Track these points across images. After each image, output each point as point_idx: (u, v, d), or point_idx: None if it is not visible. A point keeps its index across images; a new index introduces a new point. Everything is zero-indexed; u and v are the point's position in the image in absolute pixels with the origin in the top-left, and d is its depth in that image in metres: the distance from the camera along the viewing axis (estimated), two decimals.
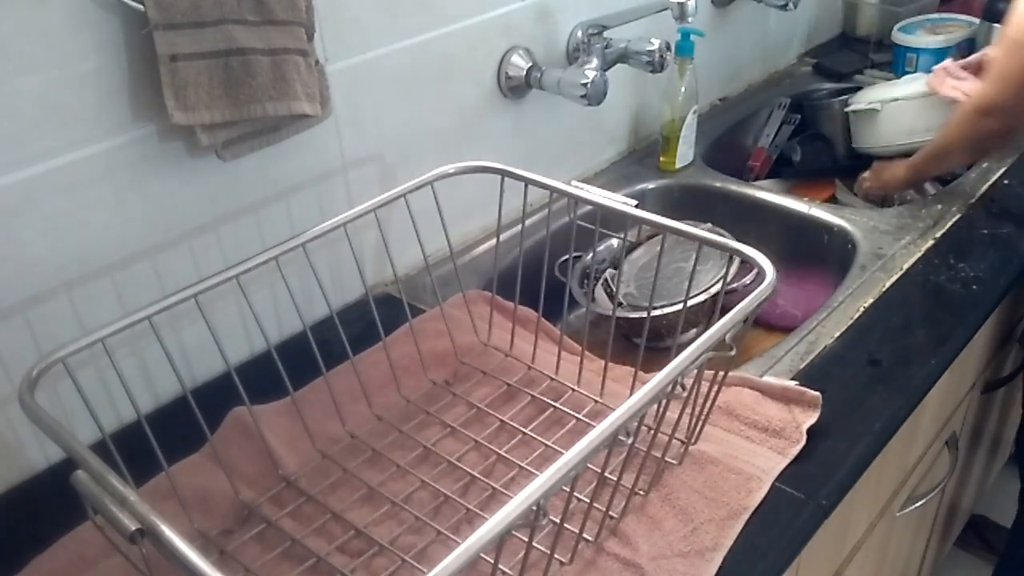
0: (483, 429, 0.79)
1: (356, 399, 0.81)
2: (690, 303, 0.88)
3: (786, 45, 1.67)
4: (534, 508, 0.48)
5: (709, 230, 0.83)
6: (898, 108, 1.32)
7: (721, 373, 0.70)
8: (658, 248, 1.08)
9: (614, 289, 1.03)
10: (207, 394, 0.83)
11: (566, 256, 1.02)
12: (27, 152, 0.70)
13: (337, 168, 0.93)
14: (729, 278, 0.80)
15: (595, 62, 1.09)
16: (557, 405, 0.82)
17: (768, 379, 0.81)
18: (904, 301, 0.95)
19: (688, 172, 1.29)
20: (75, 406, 0.64)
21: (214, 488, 0.73)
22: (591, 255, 1.02)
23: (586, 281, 1.08)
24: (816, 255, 1.14)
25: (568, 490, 0.57)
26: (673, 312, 0.99)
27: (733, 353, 0.65)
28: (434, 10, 0.96)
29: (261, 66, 0.76)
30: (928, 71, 1.39)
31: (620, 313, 0.96)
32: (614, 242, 0.94)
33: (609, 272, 1.10)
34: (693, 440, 0.74)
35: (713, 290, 0.99)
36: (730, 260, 0.70)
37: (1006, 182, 1.19)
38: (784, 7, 1.44)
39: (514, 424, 0.80)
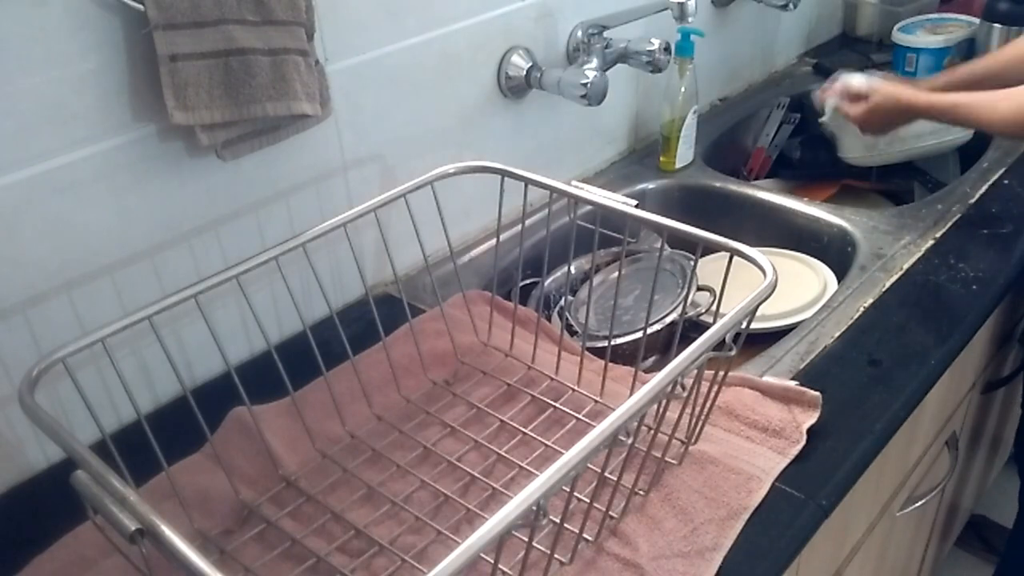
0: (483, 429, 0.79)
1: (356, 399, 0.81)
2: (650, 330, 0.88)
3: (786, 45, 1.67)
4: (534, 508, 0.48)
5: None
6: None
7: (721, 373, 0.70)
8: (613, 275, 1.07)
9: (571, 321, 1.01)
10: (207, 394, 0.83)
11: (525, 281, 1.01)
12: (27, 152, 0.70)
13: (337, 168, 0.93)
14: (727, 277, 0.80)
15: (595, 62, 1.09)
16: (557, 405, 0.82)
17: (768, 379, 0.81)
18: (904, 301, 0.95)
19: (688, 172, 1.29)
20: (75, 406, 0.64)
21: (214, 488, 0.73)
22: (548, 281, 1.00)
23: (547, 312, 1.06)
24: (816, 255, 1.14)
25: (568, 490, 0.57)
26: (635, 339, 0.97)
27: (733, 353, 0.65)
28: (434, 10, 0.96)
29: (261, 66, 0.76)
30: (929, 70, 1.39)
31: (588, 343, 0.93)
32: (569, 269, 0.93)
33: (565, 300, 1.05)
34: (693, 440, 0.74)
35: (669, 319, 0.98)
36: (730, 259, 0.70)
37: (1006, 182, 1.19)
38: (784, 7, 1.44)
39: (514, 424, 0.80)
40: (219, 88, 0.74)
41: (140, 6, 0.69)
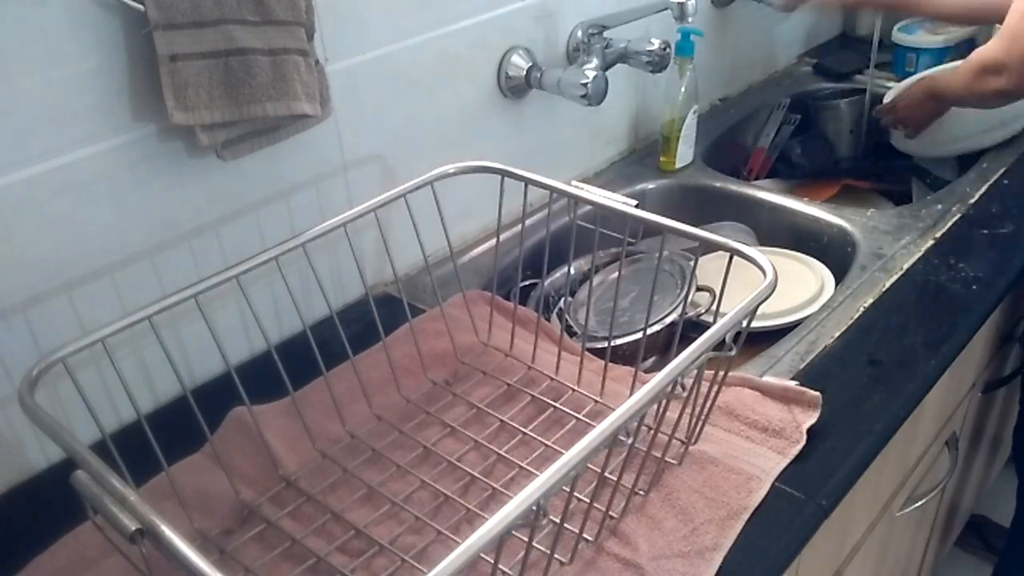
0: (483, 429, 0.79)
1: (356, 399, 0.81)
2: (650, 331, 0.88)
3: (786, 45, 1.67)
4: (534, 508, 0.48)
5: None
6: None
7: (721, 373, 0.70)
8: (613, 276, 1.07)
9: (570, 322, 1.01)
10: (207, 394, 0.83)
11: (525, 282, 0.99)
12: (27, 152, 0.70)
13: (337, 168, 0.93)
14: (726, 277, 0.80)
15: (595, 62, 1.09)
16: (557, 405, 0.82)
17: (768, 379, 0.81)
18: (904, 301, 0.95)
19: (688, 172, 1.29)
20: (75, 406, 0.64)
21: (214, 488, 0.73)
22: (547, 281, 1.00)
23: (547, 312, 1.04)
24: (816, 255, 1.14)
25: (568, 490, 0.57)
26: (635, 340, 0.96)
27: (733, 353, 0.65)
28: (434, 10, 0.96)
29: (261, 66, 0.76)
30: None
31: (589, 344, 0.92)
32: (569, 269, 0.92)
33: (565, 301, 1.03)
34: (693, 440, 0.74)
35: (669, 319, 0.97)
36: (730, 259, 0.70)
37: (1006, 182, 1.19)
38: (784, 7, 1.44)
39: (514, 424, 0.80)
40: (219, 88, 0.74)
41: (140, 6, 0.69)
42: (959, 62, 1.21)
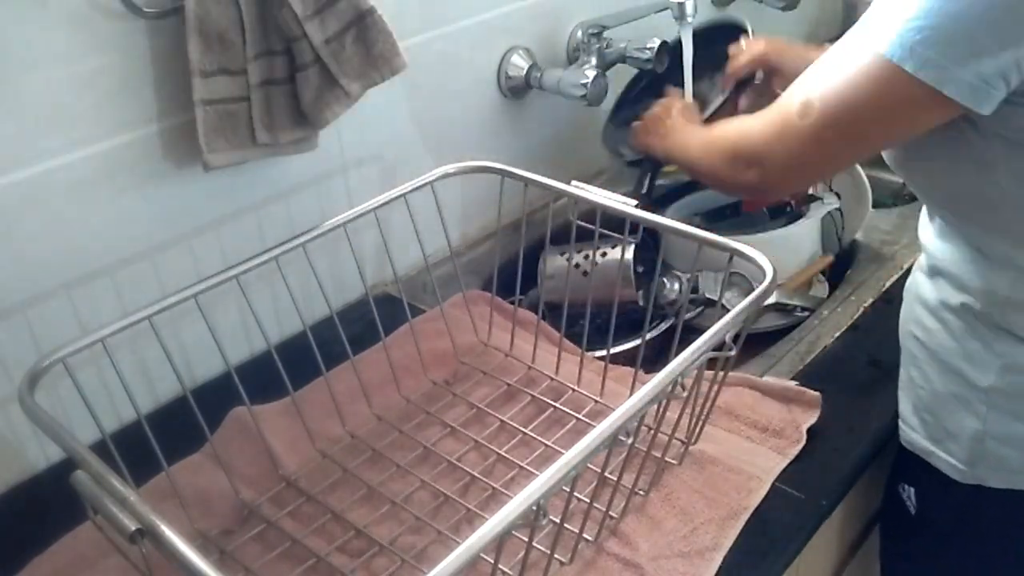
0: (483, 429, 0.79)
1: (356, 399, 0.81)
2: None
3: None
4: (534, 508, 0.48)
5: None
6: None
7: (721, 373, 0.70)
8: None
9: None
10: (207, 394, 0.83)
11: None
12: (27, 152, 0.70)
13: (337, 168, 0.93)
14: (727, 277, 0.80)
15: (595, 62, 1.09)
16: (557, 405, 0.82)
17: (768, 379, 0.81)
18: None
19: None
20: (75, 406, 0.64)
21: (214, 488, 0.73)
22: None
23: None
24: None
25: (568, 490, 0.57)
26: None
27: (733, 353, 0.65)
28: (434, 10, 0.96)
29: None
30: None
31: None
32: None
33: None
34: (693, 440, 0.74)
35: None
36: (730, 260, 0.70)
37: None
38: (784, 7, 1.44)
39: (514, 424, 0.80)
40: (246, 130, 0.76)
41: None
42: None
